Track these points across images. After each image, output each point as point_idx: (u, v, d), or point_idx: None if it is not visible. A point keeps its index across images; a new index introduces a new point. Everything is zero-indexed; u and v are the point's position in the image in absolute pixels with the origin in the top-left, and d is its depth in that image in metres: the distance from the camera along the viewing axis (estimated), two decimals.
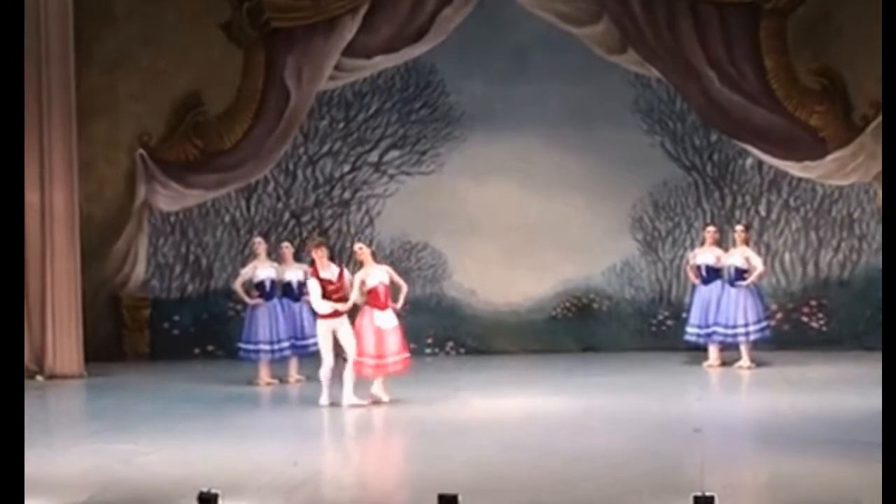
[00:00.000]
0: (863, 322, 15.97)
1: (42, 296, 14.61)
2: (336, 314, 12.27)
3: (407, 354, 12.56)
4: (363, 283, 12.33)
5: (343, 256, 16.76)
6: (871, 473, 8.67)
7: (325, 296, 12.24)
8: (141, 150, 16.32)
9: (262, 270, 14.10)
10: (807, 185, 16.27)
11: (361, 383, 12.32)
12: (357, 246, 12.92)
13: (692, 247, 15.66)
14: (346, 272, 12.63)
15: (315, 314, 12.61)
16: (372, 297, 12.33)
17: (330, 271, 12.44)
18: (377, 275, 12.45)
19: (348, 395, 12.19)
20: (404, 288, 12.79)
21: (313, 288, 12.32)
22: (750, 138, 16.08)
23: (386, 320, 12.37)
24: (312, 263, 12.63)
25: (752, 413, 11.47)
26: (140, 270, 16.58)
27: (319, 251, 12.48)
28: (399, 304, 12.63)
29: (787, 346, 15.53)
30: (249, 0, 16.18)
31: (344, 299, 12.27)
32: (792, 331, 16.09)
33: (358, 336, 12.26)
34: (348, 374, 12.24)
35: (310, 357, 14.33)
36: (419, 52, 16.40)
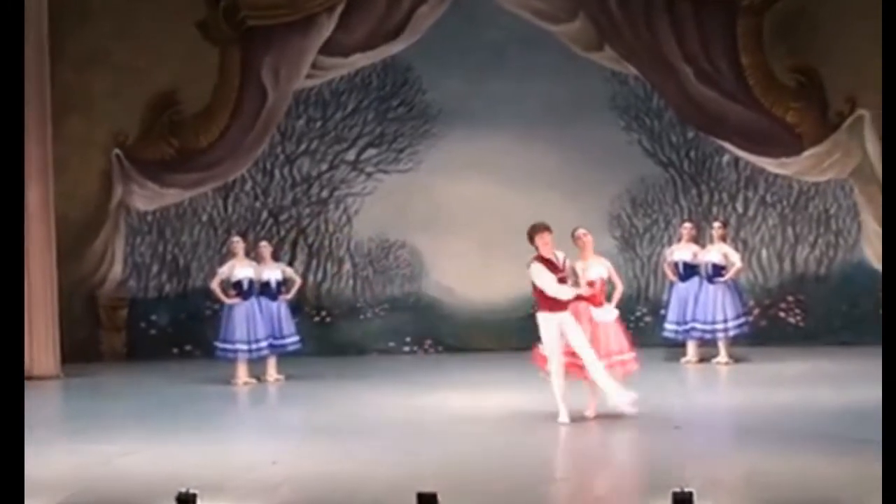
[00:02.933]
0: (839, 317, 16.03)
1: None
2: (565, 305, 10.71)
3: (633, 354, 11.13)
4: (582, 273, 11.02)
5: (321, 255, 16.76)
6: (850, 468, 8.71)
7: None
8: (117, 150, 16.27)
9: (240, 270, 14.06)
10: (783, 181, 16.33)
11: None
12: (581, 231, 11.44)
13: (670, 243, 15.70)
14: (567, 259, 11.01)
15: (540, 306, 10.85)
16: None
17: (554, 256, 10.81)
18: (597, 268, 11.18)
19: (617, 396, 10.69)
20: (620, 287, 11.50)
21: (541, 273, 10.71)
22: (727, 135, 16.13)
23: (604, 315, 11.06)
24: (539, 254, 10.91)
25: (730, 409, 11.50)
26: (117, 270, 16.53)
27: (543, 236, 10.81)
28: (612, 304, 11.29)
29: (765, 341, 15.58)
30: None
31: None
32: (769, 326, 16.15)
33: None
34: (602, 377, 10.68)
35: (288, 356, 14.35)
36: (396, 49, 16.40)
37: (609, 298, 11.34)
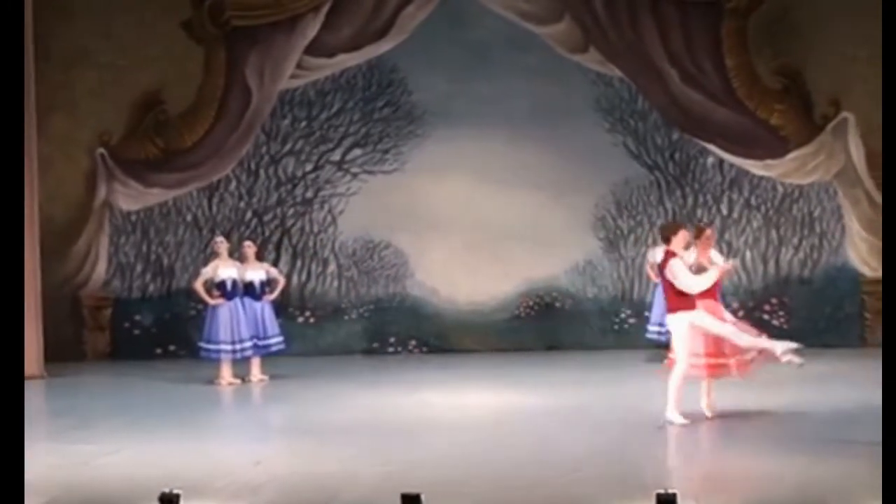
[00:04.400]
0: (823, 319, 16.05)
1: None
2: (695, 303, 10.66)
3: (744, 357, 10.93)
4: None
5: (305, 255, 16.75)
6: (834, 469, 8.73)
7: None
8: (101, 149, 16.24)
9: (224, 270, 14.01)
10: (767, 183, 16.36)
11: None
12: (710, 230, 11.76)
13: (654, 245, 15.70)
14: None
15: (672, 307, 10.75)
16: (706, 291, 10.83)
17: (688, 257, 11.03)
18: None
19: (783, 348, 10.76)
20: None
21: (684, 269, 10.69)
22: (711, 137, 16.16)
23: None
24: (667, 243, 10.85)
25: (713, 410, 11.49)
26: (101, 270, 16.49)
27: (683, 234, 10.91)
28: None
29: None
30: None
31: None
32: (753, 328, 16.12)
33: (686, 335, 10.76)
34: (760, 342, 10.83)
35: (272, 356, 14.33)
36: (382, 50, 16.39)
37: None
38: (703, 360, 10.81)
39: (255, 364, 14.18)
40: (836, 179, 16.05)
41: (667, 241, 10.89)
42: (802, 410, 11.32)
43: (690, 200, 16.53)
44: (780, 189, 16.36)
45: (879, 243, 15.77)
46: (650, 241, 16.20)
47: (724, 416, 11.14)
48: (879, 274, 15.77)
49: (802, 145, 15.97)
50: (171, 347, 16.36)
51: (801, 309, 16.17)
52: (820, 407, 11.26)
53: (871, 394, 12.04)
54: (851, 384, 12.63)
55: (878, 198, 15.69)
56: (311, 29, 16.18)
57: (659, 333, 14.91)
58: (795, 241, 16.37)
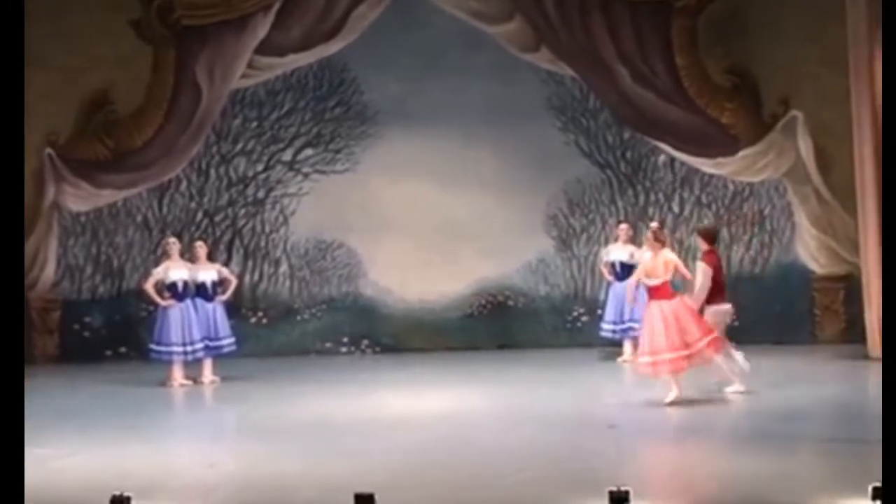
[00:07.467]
0: (774, 317, 16.14)
1: None
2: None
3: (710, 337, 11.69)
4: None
5: (257, 256, 16.67)
6: (785, 466, 8.79)
7: None
8: (49, 150, 16.07)
9: (175, 271, 13.93)
10: (718, 181, 16.44)
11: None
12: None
13: (606, 243, 15.77)
14: None
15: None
16: (663, 287, 11.74)
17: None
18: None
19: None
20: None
21: None
22: (662, 135, 16.20)
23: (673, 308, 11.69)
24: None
25: (666, 408, 11.56)
26: (49, 272, 16.32)
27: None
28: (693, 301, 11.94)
29: None
30: None
31: None
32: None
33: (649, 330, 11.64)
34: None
35: (224, 357, 14.25)
36: (333, 49, 16.33)
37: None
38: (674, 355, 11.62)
39: (207, 365, 14.10)
40: (785, 177, 16.14)
41: (713, 240, 12.50)
42: (753, 407, 11.38)
43: (642, 199, 16.60)
44: (731, 187, 16.44)
45: (829, 240, 15.92)
46: (603, 239, 16.27)
47: (675, 413, 11.20)
48: (829, 271, 15.94)
49: (753, 143, 16.04)
50: (122, 349, 16.22)
51: (752, 306, 16.17)
52: (771, 404, 11.33)
53: (822, 390, 12.21)
54: (803, 381, 12.73)
55: (828, 195, 15.82)
56: (262, 28, 16.08)
57: (612, 332, 14.97)
58: (746, 238, 16.46)
